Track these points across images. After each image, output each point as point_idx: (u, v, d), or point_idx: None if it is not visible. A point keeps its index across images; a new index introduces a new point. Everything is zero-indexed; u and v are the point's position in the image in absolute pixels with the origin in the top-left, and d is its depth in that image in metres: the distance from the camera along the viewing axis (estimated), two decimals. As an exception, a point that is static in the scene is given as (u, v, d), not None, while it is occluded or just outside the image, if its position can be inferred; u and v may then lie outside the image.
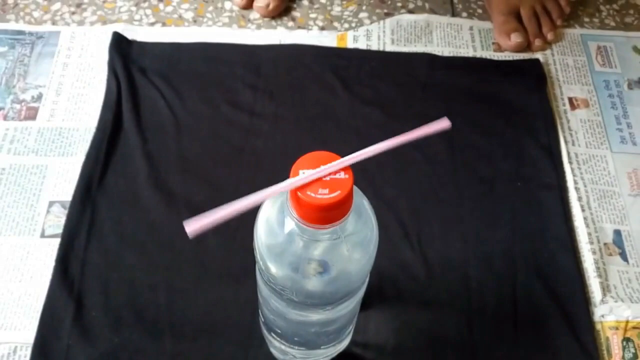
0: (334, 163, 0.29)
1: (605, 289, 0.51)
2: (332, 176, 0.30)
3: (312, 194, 0.29)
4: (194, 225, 0.30)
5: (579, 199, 0.57)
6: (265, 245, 0.34)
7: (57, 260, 0.51)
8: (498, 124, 0.62)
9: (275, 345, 0.45)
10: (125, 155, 0.57)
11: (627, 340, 0.49)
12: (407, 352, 0.48)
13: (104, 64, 0.63)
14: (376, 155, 0.31)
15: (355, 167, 0.59)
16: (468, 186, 0.57)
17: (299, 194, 0.29)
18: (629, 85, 0.66)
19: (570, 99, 0.64)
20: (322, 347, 0.44)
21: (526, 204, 0.56)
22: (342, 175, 0.30)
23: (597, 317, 0.50)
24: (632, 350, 0.49)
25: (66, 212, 0.54)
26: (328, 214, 0.30)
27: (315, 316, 0.38)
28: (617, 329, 0.50)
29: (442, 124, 0.30)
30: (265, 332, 0.46)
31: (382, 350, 0.48)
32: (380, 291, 0.51)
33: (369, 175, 0.56)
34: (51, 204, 0.55)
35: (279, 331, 0.42)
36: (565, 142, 0.60)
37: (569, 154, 0.60)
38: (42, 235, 0.53)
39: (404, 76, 0.65)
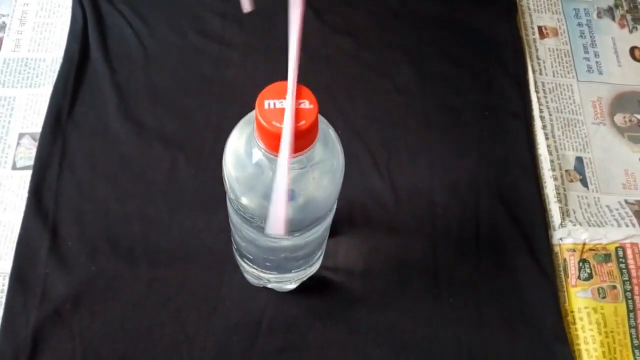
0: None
1: (564, 213, 0.54)
2: (297, 106, 0.30)
3: (278, 124, 0.29)
4: None
5: (544, 127, 0.58)
6: (233, 176, 0.35)
7: (30, 192, 0.51)
8: (468, 53, 0.62)
9: (248, 270, 0.47)
10: (94, 86, 0.56)
11: (583, 261, 0.52)
12: (375, 275, 0.50)
13: (68, -9, 0.62)
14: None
15: (325, 97, 0.59)
16: (437, 115, 0.58)
17: (264, 123, 0.29)
18: (598, 14, 0.66)
19: (539, 28, 0.64)
20: (292, 271, 0.46)
21: (492, 133, 0.57)
22: (307, 105, 0.30)
23: (555, 240, 0.53)
24: (588, 270, 0.52)
25: (36, 144, 0.54)
26: (293, 143, 0.30)
27: (285, 242, 0.39)
28: (574, 251, 0.52)
29: None
30: (238, 258, 0.48)
31: (351, 274, 0.50)
32: (350, 218, 0.52)
33: (339, 104, 0.57)
34: (21, 135, 0.55)
35: (251, 257, 0.44)
36: (533, 71, 0.61)
37: (536, 82, 0.60)
38: (14, 167, 0.53)
39: (375, 4, 0.64)
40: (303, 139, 0.31)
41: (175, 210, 0.52)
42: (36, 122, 0.55)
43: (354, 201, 0.53)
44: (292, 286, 0.49)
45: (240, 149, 0.34)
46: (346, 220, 0.52)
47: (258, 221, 0.36)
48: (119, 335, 0.47)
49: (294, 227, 0.37)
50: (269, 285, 0.48)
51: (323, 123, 0.34)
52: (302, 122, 0.30)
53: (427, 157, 0.56)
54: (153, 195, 0.52)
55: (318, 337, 0.48)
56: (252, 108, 0.33)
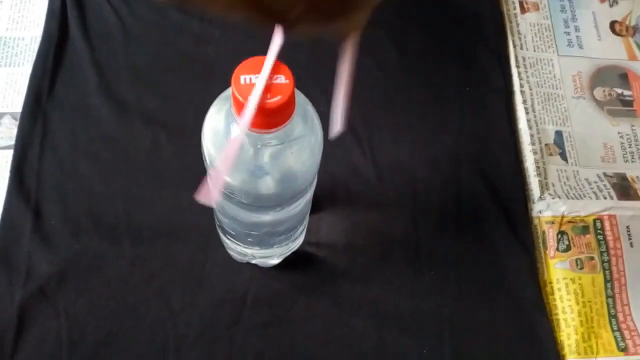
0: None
1: (544, 186, 0.54)
2: (273, 81, 0.30)
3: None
4: (208, 196, 0.32)
5: (524, 101, 0.58)
6: (213, 152, 0.35)
7: (12, 171, 0.51)
8: (450, 29, 0.62)
9: (231, 246, 0.47)
10: (74, 65, 0.56)
11: (561, 233, 0.53)
12: (357, 250, 0.51)
13: (45, -32, 0.61)
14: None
15: (307, 75, 0.59)
16: (418, 92, 0.58)
17: (241, 99, 0.30)
18: (579, -13, 0.66)
19: (521, 2, 0.64)
20: (275, 246, 0.46)
21: (473, 108, 0.58)
22: (282, 80, 0.30)
23: (535, 212, 0.54)
24: (566, 242, 0.53)
25: (17, 123, 0.53)
26: (270, 119, 0.31)
27: (266, 217, 0.40)
28: (553, 223, 0.53)
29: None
30: (221, 234, 0.48)
31: (334, 249, 0.51)
32: (332, 194, 0.53)
33: (321, 82, 0.57)
34: (1, 115, 0.55)
35: (233, 233, 0.44)
36: (514, 46, 0.61)
37: (516, 57, 0.61)
38: (-5, 147, 0.53)
39: (356, -20, 0.64)
40: (280, 114, 0.31)
41: (158, 188, 0.52)
42: (16, 102, 0.55)
43: (336, 177, 0.53)
44: (275, 261, 0.49)
45: (218, 126, 0.34)
46: (328, 196, 0.52)
47: (238, 197, 0.36)
48: (104, 313, 0.47)
49: (274, 201, 0.37)
50: (253, 261, 0.49)
51: (301, 99, 0.34)
52: (278, 97, 0.30)
53: (409, 133, 0.56)
54: (136, 173, 0.52)
55: (302, 311, 0.48)
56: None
